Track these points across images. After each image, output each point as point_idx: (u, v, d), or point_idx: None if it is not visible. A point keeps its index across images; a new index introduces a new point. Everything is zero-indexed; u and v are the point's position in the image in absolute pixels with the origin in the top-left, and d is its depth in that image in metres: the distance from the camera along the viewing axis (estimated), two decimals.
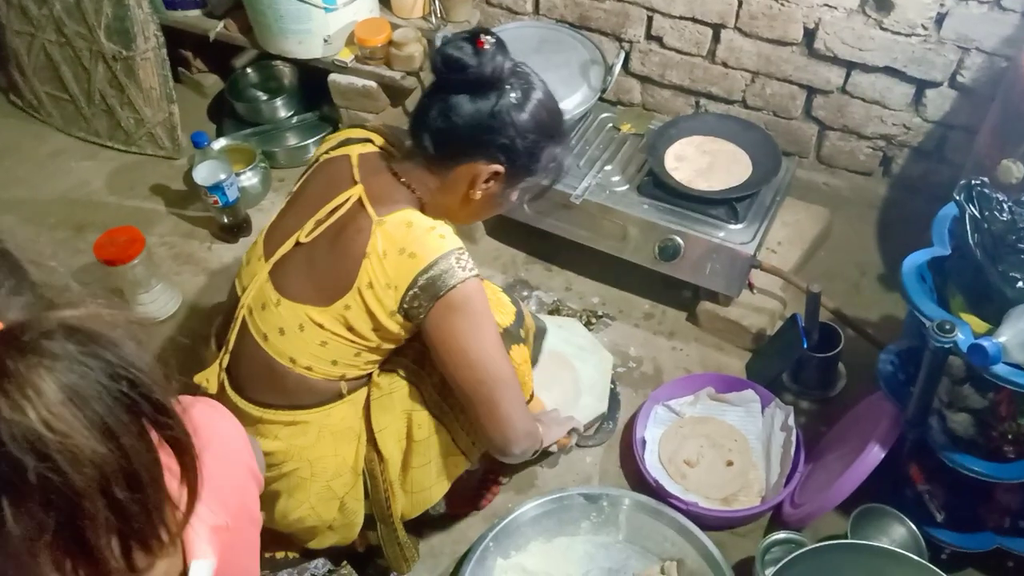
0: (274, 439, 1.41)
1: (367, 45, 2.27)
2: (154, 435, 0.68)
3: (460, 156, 1.35)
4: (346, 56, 2.32)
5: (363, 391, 1.44)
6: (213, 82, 2.79)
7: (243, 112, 2.59)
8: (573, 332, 2.03)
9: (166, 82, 2.49)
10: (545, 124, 1.37)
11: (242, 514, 0.87)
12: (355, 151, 1.42)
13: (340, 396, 1.41)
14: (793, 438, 1.78)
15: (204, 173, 2.21)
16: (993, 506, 1.60)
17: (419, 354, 1.42)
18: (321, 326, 1.33)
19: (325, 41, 2.32)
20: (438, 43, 1.35)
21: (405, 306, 1.30)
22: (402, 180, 1.38)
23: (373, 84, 2.32)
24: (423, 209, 1.39)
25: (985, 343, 1.26)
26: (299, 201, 1.43)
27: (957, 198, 1.41)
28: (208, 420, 0.86)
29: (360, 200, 1.34)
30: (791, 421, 1.81)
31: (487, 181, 1.37)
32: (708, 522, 1.71)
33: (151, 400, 0.67)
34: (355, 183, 1.36)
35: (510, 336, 1.46)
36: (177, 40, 2.61)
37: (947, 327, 1.33)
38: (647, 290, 2.18)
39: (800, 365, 1.95)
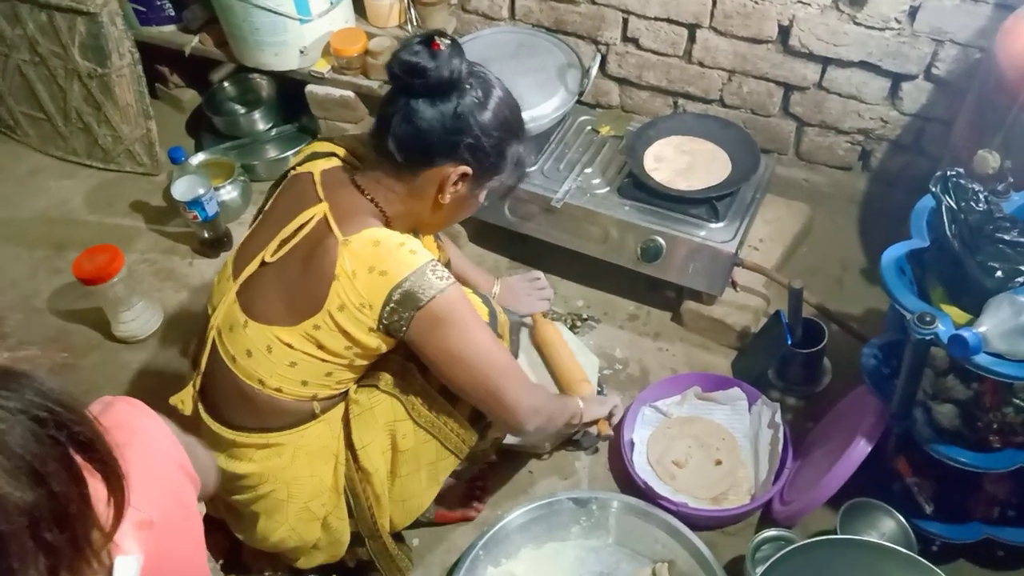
0: (248, 461, 1.40)
1: (343, 55, 2.26)
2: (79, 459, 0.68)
3: (427, 160, 1.34)
4: (323, 67, 2.31)
5: (337, 410, 1.43)
6: (190, 97, 2.78)
7: (221, 126, 2.57)
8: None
9: (142, 98, 2.48)
10: (508, 121, 1.36)
11: (172, 509, 0.86)
12: (319, 167, 1.40)
13: (313, 416, 1.40)
14: (780, 435, 1.78)
15: (182, 188, 2.20)
16: (981, 496, 1.60)
17: (398, 367, 1.41)
18: (290, 346, 1.31)
19: (301, 52, 2.31)
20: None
21: (384, 322, 1.29)
22: (366, 194, 1.37)
23: (351, 94, 2.32)
24: (389, 223, 1.37)
25: (965, 333, 1.26)
26: (267, 220, 1.42)
27: (933, 190, 1.41)
28: (129, 417, 0.86)
29: (325, 218, 1.32)
30: (778, 418, 1.80)
31: (455, 184, 1.36)
32: (698, 522, 1.70)
33: (76, 435, 0.67)
34: (319, 200, 1.35)
35: None
36: (153, 56, 2.60)
37: (927, 319, 1.33)
38: (631, 291, 2.18)
39: (785, 361, 1.95)
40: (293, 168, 1.46)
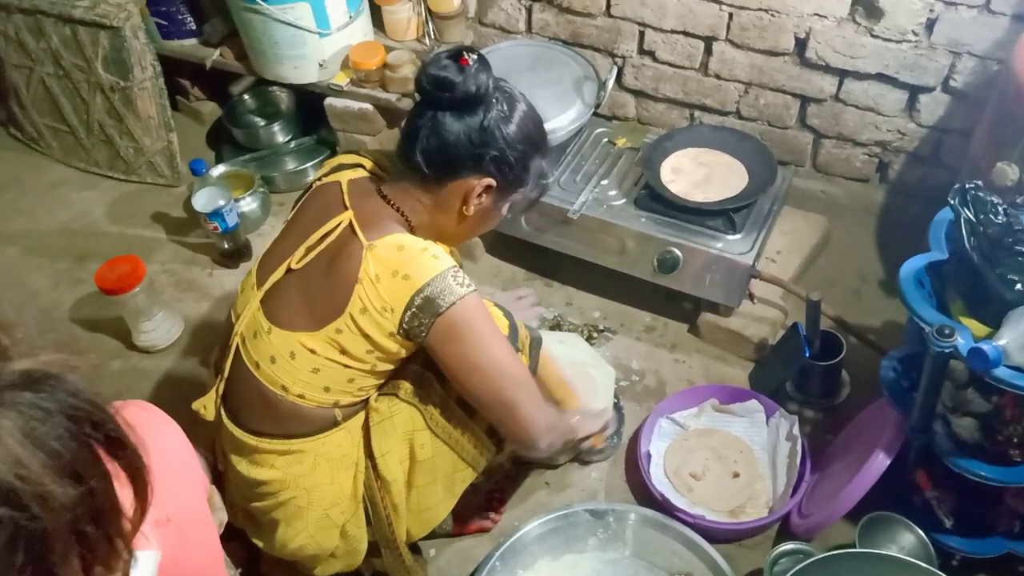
0: (270, 468, 1.41)
1: (362, 68, 2.28)
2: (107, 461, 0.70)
3: (453, 173, 1.36)
4: (341, 80, 2.34)
5: (358, 418, 1.44)
6: (211, 109, 2.81)
7: (241, 138, 2.60)
8: (575, 347, 2.03)
9: (164, 111, 2.51)
10: (532, 135, 1.39)
11: (186, 507, 0.88)
12: (346, 176, 1.43)
13: (335, 424, 1.41)
14: (799, 448, 1.77)
15: (203, 200, 2.22)
16: (1002, 510, 1.59)
17: (417, 376, 1.42)
18: (313, 351, 1.33)
19: (320, 66, 2.33)
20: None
21: (405, 326, 1.30)
22: (391, 203, 1.39)
23: (369, 107, 2.34)
24: (413, 231, 1.40)
25: (985, 347, 1.26)
26: (292, 229, 1.44)
27: (952, 202, 1.41)
28: (142, 420, 0.88)
29: (350, 225, 1.35)
30: (796, 430, 1.80)
31: (480, 196, 1.38)
32: (715, 535, 1.70)
33: (108, 435, 0.69)
34: (345, 208, 1.37)
35: None
36: (174, 69, 2.63)
37: (947, 332, 1.33)
38: (648, 303, 2.18)
39: (803, 374, 1.94)
40: (319, 179, 1.48)
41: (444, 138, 1.33)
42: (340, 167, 1.47)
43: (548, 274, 2.28)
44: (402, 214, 1.39)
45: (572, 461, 1.89)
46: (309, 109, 2.55)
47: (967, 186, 1.40)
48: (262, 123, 2.65)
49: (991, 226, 1.38)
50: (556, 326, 2.16)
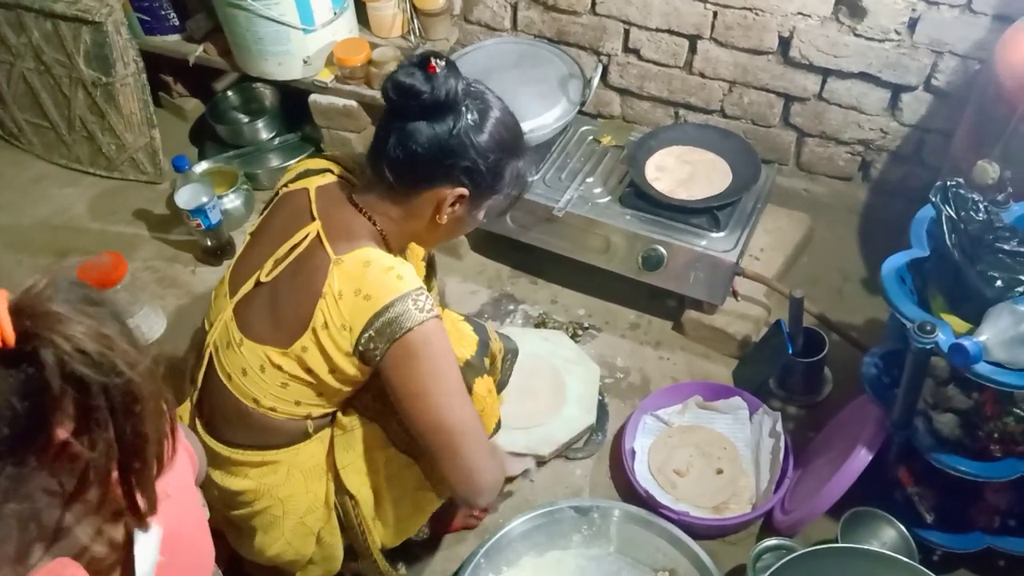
0: (244, 478, 1.40)
1: (346, 65, 2.27)
2: None
3: (423, 183, 1.32)
4: (326, 76, 2.33)
5: (329, 428, 1.43)
6: (194, 106, 2.79)
7: (225, 135, 2.59)
8: (559, 345, 2.03)
9: (146, 107, 2.49)
10: (505, 142, 1.33)
11: (180, 484, 0.89)
12: (313, 184, 1.39)
13: (307, 435, 1.39)
14: (782, 444, 1.78)
15: (186, 197, 2.21)
16: (983, 506, 1.60)
17: (378, 391, 1.37)
18: (280, 368, 1.30)
19: (304, 62, 2.32)
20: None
21: (360, 348, 1.26)
22: (363, 211, 1.35)
23: (354, 104, 2.33)
24: (386, 240, 1.37)
25: (966, 343, 1.27)
26: (261, 237, 1.41)
27: (933, 199, 1.42)
28: None
29: (318, 236, 1.31)
30: (779, 427, 1.81)
31: (452, 205, 1.34)
32: (699, 531, 1.71)
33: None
34: (313, 219, 1.34)
35: (472, 369, 1.40)
36: (157, 65, 2.61)
37: (928, 328, 1.34)
38: (632, 301, 2.18)
39: (786, 371, 1.95)
40: (285, 185, 1.44)
41: (412, 149, 1.27)
42: (307, 172, 1.43)
43: (533, 272, 2.28)
44: (373, 223, 1.35)
45: (557, 458, 1.89)
46: (293, 106, 2.54)
47: (948, 184, 1.42)
48: (246, 120, 2.64)
49: (972, 223, 1.39)
50: (541, 323, 2.16)
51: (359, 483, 1.43)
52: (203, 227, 2.24)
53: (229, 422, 1.39)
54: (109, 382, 0.70)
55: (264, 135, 2.59)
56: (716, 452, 1.85)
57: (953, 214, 1.40)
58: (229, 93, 2.67)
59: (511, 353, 1.59)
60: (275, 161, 2.57)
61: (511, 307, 2.21)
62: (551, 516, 1.71)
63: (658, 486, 1.81)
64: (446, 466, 1.33)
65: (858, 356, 1.73)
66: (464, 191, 1.33)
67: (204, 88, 2.75)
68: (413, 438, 1.37)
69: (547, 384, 1.94)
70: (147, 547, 0.79)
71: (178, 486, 0.87)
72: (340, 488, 1.44)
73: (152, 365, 0.74)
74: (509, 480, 1.77)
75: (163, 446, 0.77)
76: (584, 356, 2.01)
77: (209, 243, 2.30)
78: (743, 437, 1.88)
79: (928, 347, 1.33)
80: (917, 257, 1.49)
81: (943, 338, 1.33)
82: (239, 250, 1.47)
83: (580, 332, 2.13)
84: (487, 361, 1.49)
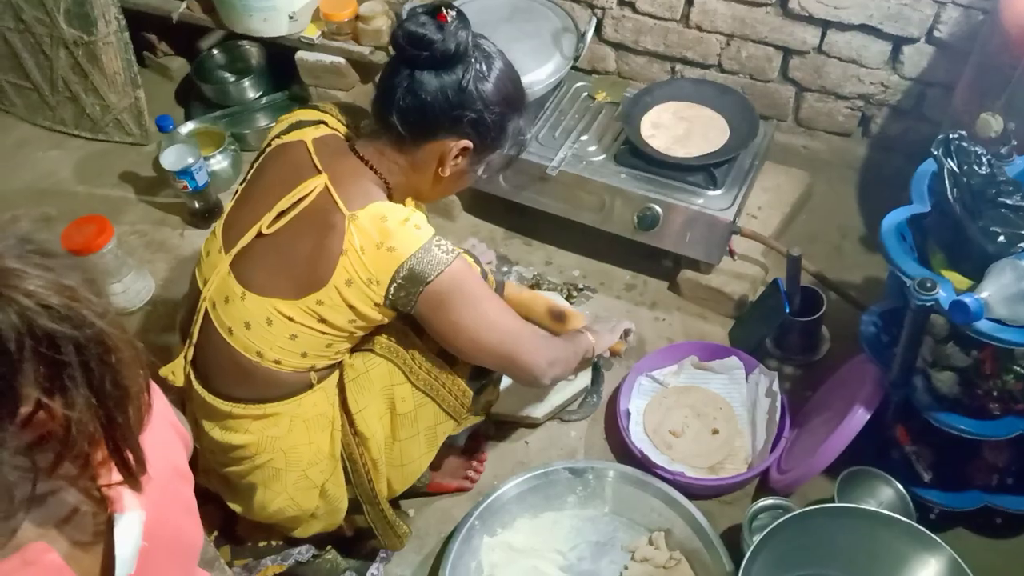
0: (244, 432, 1.38)
1: (333, 20, 2.22)
2: None
3: (429, 134, 1.33)
4: (312, 33, 2.27)
5: (333, 377, 1.41)
6: (179, 65, 2.73)
7: (211, 94, 2.53)
8: None
9: (130, 66, 2.43)
10: (510, 96, 1.36)
11: (167, 469, 0.85)
12: (309, 135, 1.37)
13: (310, 386, 1.38)
14: (778, 404, 1.77)
15: (172, 158, 2.16)
16: (980, 464, 1.59)
17: (393, 330, 1.39)
18: (291, 319, 1.29)
19: (291, 18, 2.26)
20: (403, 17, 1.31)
21: (391, 298, 1.29)
22: (368, 163, 1.35)
23: (341, 60, 2.27)
24: (391, 192, 1.37)
25: (967, 299, 1.24)
26: (255, 190, 1.38)
27: (935, 153, 1.38)
28: None
29: (327, 190, 1.30)
30: (775, 387, 1.79)
31: (456, 157, 1.35)
32: (695, 491, 1.70)
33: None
34: (318, 171, 1.32)
35: None
36: (140, 23, 2.55)
37: (928, 285, 1.31)
38: (628, 261, 2.15)
39: (783, 330, 1.93)
40: (277, 136, 1.41)
41: (421, 98, 1.29)
42: (300, 124, 1.41)
43: (527, 233, 2.24)
44: (379, 175, 1.35)
45: (552, 419, 1.87)
46: (280, 64, 2.48)
47: (951, 137, 1.38)
48: (232, 79, 2.58)
49: (974, 177, 1.36)
50: (535, 285, 2.13)
51: (374, 426, 1.42)
52: (190, 189, 2.19)
53: (228, 376, 1.37)
54: (80, 335, 0.66)
55: (251, 94, 2.53)
56: (712, 412, 1.84)
57: (955, 168, 1.36)
58: (214, 51, 2.61)
59: (499, 285, 1.64)
60: (262, 121, 2.51)
61: (505, 269, 2.17)
62: (546, 478, 1.70)
63: (653, 447, 1.79)
64: (509, 371, 1.46)
65: (856, 315, 1.71)
66: (468, 143, 1.34)
67: (189, 47, 2.69)
68: (430, 365, 1.42)
69: None
70: (129, 532, 0.76)
71: (164, 468, 0.83)
72: (350, 434, 1.42)
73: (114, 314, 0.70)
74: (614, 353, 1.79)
75: (143, 399, 0.74)
76: None
77: (197, 205, 2.26)
78: (739, 397, 1.86)
79: (928, 304, 1.31)
80: (918, 213, 1.46)
81: (944, 295, 1.30)
82: (229, 204, 1.44)
83: (575, 294, 2.10)
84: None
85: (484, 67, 1.31)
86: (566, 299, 2.07)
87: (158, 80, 2.72)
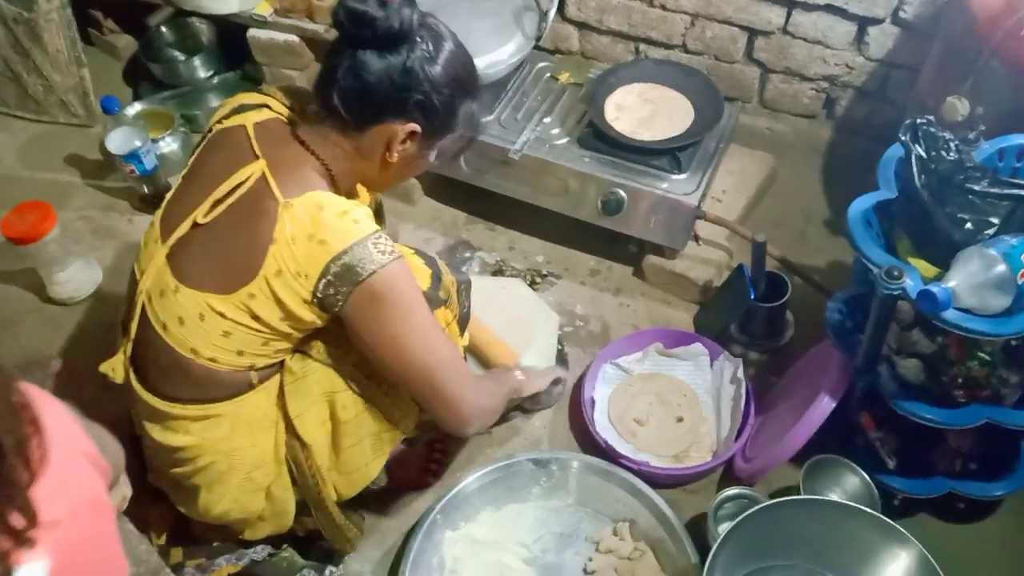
0: (185, 433, 1.32)
1: None
2: None
3: (374, 117, 1.26)
4: (264, 10, 2.19)
5: (276, 378, 1.35)
6: (127, 43, 2.62)
7: (159, 74, 2.43)
8: (518, 293, 1.96)
9: (73, 45, 2.33)
10: (460, 77, 1.28)
11: (81, 504, 0.79)
12: (250, 120, 1.30)
13: (251, 386, 1.32)
14: (743, 391, 1.75)
15: (118, 141, 2.08)
16: (944, 450, 1.59)
17: (332, 335, 1.32)
18: (223, 315, 1.23)
19: None
20: None
21: (319, 295, 1.20)
22: (309, 149, 1.28)
23: (295, 38, 2.20)
24: (334, 180, 1.30)
25: (935, 289, 1.22)
26: (195, 178, 1.31)
27: (903, 138, 1.36)
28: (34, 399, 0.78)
29: (264, 177, 1.23)
30: (740, 373, 1.77)
31: (403, 142, 1.28)
32: (660, 480, 1.68)
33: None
34: (256, 157, 1.25)
35: (429, 301, 1.36)
36: None
37: (895, 273, 1.29)
38: (592, 246, 2.12)
39: (748, 315, 1.91)
40: (219, 121, 1.35)
41: (364, 79, 1.21)
42: (242, 108, 1.34)
43: (490, 217, 2.19)
44: (322, 162, 1.28)
45: (515, 409, 1.83)
46: (232, 41, 2.39)
47: (918, 122, 1.35)
48: (182, 58, 2.48)
49: (942, 163, 1.34)
50: (499, 271, 2.09)
51: (315, 432, 1.36)
52: (137, 173, 2.11)
53: (166, 374, 1.31)
54: None
55: (202, 73, 2.44)
56: (676, 400, 1.82)
57: (923, 153, 1.34)
58: (163, 29, 2.51)
59: (464, 284, 1.55)
60: (214, 101, 2.42)
61: (467, 255, 2.12)
62: (509, 469, 1.66)
63: (618, 435, 1.77)
64: (431, 401, 1.34)
65: (821, 300, 1.69)
66: (416, 127, 1.27)
67: (137, 23, 2.58)
68: (372, 371, 1.33)
69: (507, 329, 1.88)
70: None
71: (73, 509, 0.76)
72: (293, 438, 1.37)
73: None
74: (535, 395, 1.73)
75: (27, 450, 0.68)
76: (543, 304, 1.94)
77: (146, 190, 2.18)
78: (703, 384, 1.84)
79: (895, 293, 1.29)
80: (884, 199, 1.43)
81: (911, 284, 1.28)
82: (170, 192, 1.37)
83: (539, 280, 2.06)
84: (442, 294, 1.44)
85: (431, 47, 1.23)
86: (530, 285, 2.03)
87: (105, 59, 2.61)
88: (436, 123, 1.28)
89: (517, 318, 1.90)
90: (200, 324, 1.24)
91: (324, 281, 1.19)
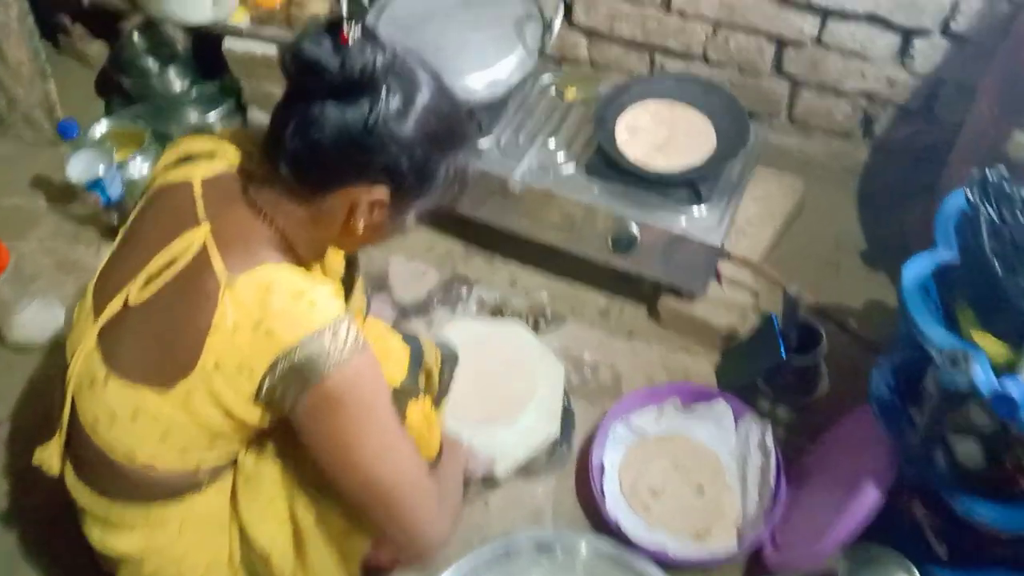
0: (128, 537, 1.15)
1: (263, 5, 1.94)
2: None
3: (330, 182, 1.05)
4: (240, 20, 1.98)
5: (230, 475, 1.17)
6: (98, 49, 2.42)
7: (130, 87, 2.24)
8: (518, 340, 1.76)
9: (37, 56, 2.14)
10: (437, 134, 1.06)
11: None
12: (198, 175, 1.11)
13: (199, 487, 1.14)
14: (772, 462, 1.55)
15: (79, 167, 1.89)
16: (1007, 538, 1.38)
17: (292, 430, 1.12)
18: (158, 416, 1.04)
19: (214, 2, 1.97)
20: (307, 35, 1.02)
21: (264, 393, 1.01)
22: (262, 212, 1.07)
23: (274, 51, 1.99)
24: (292, 247, 1.09)
25: (1012, 390, 1.02)
26: (133, 240, 1.13)
27: (970, 197, 1.15)
28: None
29: (204, 249, 1.04)
30: (770, 441, 1.57)
31: (370, 210, 1.07)
32: (678, 566, 1.48)
33: None
34: (198, 222, 1.06)
35: (405, 394, 1.18)
36: (51, 4, 2.24)
37: (959, 360, 1.09)
38: (602, 282, 1.91)
39: (776, 367, 1.70)
40: (165, 170, 1.16)
41: (315, 138, 1.00)
42: (190, 157, 1.14)
43: (490, 248, 1.99)
44: (276, 228, 1.08)
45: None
46: (210, 50, 2.17)
47: (989, 175, 1.14)
48: (155, 69, 2.27)
49: (1018, 228, 1.12)
50: (498, 310, 1.89)
51: (271, 539, 1.18)
52: (103, 203, 1.92)
53: (101, 474, 1.13)
54: None
55: (177, 86, 2.24)
56: (696, 466, 1.62)
57: (994, 216, 1.13)
58: (135, 37, 2.29)
59: (449, 361, 1.36)
60: (192, 116, 2.23)
61: (464, 291, 1.93)
62: (506, 552, 1.47)
63: (630, 509, 1.57)
64: (384, 523, 1.15)
65: (857, 347, 1.48)
66: (382, 195, 1.06)
67: (109, 28, 2.37)
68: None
69: (504, 380, 1.69)
70: None
71: None
72: (248, 546, 1.19)
73: None
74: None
75: None
76: (547, 352, 1.74)
77: (115, 221, 1.99)
78: (727, 448, 1.64)
79: (961, 386, 1.08)
80: (943, 263, 1.22)
81: (982, 376, 1.07)
82: (107, 255, 1.18)
83: (543, 322, 1.86)
84: (422, 379, 1.26)
85: (400, 99, 1.02)
86: (533, 327, 1.83)
87: (75, 67, 2.42)
88: (407, 187, 1.07)
89: (516, 368, 1.70)
90: (132, 425, 1.05)
91: (270, 378, 1.00)
